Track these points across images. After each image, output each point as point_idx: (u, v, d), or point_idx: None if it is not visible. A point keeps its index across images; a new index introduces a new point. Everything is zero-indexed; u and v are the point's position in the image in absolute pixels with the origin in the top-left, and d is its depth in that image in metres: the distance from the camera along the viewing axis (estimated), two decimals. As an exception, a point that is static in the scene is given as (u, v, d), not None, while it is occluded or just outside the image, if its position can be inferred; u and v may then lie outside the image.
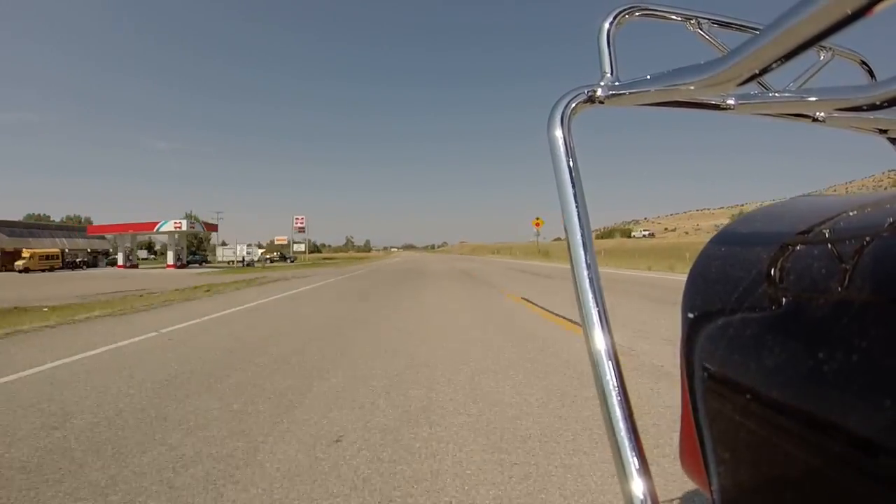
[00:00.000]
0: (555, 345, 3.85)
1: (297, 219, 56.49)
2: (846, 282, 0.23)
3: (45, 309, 7.69)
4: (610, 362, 0.28)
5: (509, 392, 2.65)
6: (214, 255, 52.39)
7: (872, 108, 0.32)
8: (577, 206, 0.32)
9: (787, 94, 0.37)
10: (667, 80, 0.30)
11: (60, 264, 38.35)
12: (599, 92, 0.35)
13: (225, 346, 4.19)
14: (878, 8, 0.17)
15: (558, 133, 0.34)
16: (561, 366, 3.16)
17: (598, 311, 0.29)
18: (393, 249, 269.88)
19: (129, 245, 39.28)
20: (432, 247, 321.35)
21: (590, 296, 0.30)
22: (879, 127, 0.40)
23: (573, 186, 0.33)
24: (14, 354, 4.02)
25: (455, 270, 18.71)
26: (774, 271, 0.28)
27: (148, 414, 2.40)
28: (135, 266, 40.59)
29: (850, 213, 0.30)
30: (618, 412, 0.27)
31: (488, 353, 3.61)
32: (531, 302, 6.98)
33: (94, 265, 45.27)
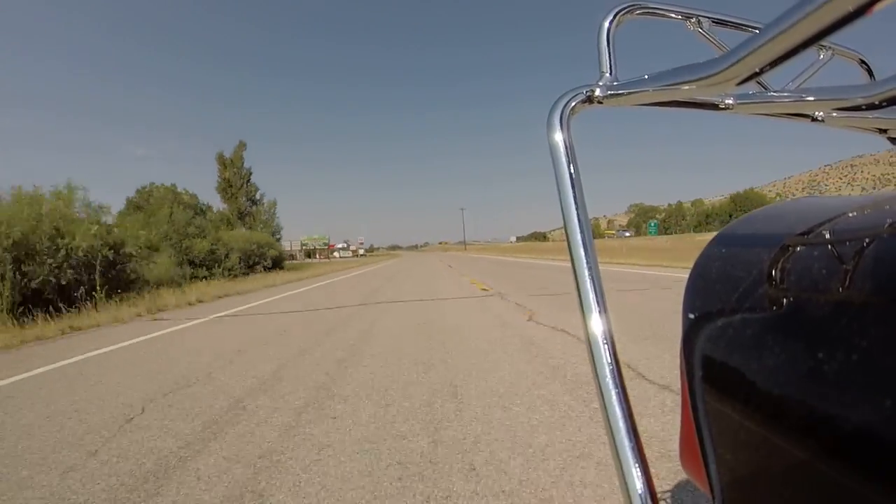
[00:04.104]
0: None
1: (360, 239, 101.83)
2: (846, 282, 0.23)
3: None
4: (611, 365, 0.28)
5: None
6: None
7: (871, 107, 0.32)
8: (576, 206, 0.32)
9: (786, 94, 0.37)
10: (666, 80, 0.30)
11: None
12: (598, 92, 0.35)
13: (397, 265, 27.67)
14: (877, 7, 0.17)
15: (557, 132, 0.34)
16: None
17: (599, 312, 0.29)
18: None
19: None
20: (416, 247, 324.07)
21: (591, 296, 0.30)
22: (879, 126, 0.40)
23: (573, 185, 0.33)
24: (354, 274, 17.96)
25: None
26: (775, 272, 0.28)
27: (394, 276, 14.95)
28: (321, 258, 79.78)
29: (850, 214, 0.30)
30: (617, 412, 0.27)
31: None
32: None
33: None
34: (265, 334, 4.63)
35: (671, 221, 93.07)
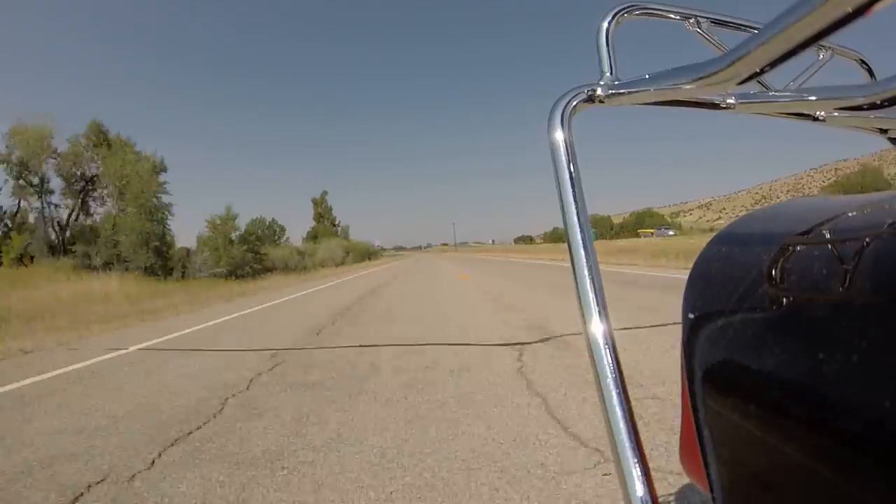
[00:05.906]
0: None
1: (377, 242, 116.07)
2: (846, 282, 0.23)
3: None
4: (611, 366, 0.28)
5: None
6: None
7: (872, 107, 0.31)
8: (576, 206, 0.32)
9: (787, 94, 0.37)
10: (666, 80, 0.30)
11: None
12: (599, 91, 0.35)
13: (418, 258, 56.44)
14: (878, 7, 0.17)
15: (558, 132, 0.34)
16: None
17: (599, 312, 0.29)
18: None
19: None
20: (419, 248, 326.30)
21: (591, 297, 0.30)
22: (880, 126, 0.40)
23: (573, 185, 0.32)
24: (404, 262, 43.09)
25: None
26: (774, 272, 0.28)
27: (420, 268, 24.50)
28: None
29: (850, 214, 0.30)
30: (618, 413, 0.27)
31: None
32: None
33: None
34: (417, 263, 32.64)
35: (604, 231, 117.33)
